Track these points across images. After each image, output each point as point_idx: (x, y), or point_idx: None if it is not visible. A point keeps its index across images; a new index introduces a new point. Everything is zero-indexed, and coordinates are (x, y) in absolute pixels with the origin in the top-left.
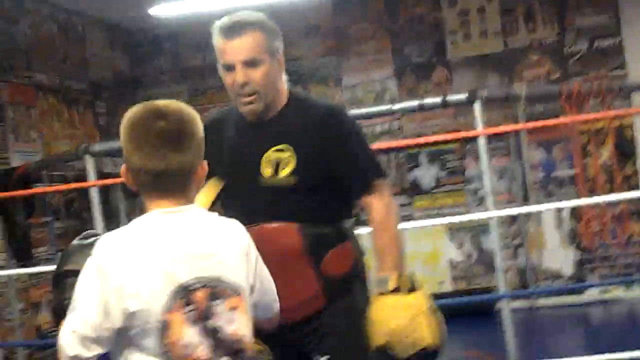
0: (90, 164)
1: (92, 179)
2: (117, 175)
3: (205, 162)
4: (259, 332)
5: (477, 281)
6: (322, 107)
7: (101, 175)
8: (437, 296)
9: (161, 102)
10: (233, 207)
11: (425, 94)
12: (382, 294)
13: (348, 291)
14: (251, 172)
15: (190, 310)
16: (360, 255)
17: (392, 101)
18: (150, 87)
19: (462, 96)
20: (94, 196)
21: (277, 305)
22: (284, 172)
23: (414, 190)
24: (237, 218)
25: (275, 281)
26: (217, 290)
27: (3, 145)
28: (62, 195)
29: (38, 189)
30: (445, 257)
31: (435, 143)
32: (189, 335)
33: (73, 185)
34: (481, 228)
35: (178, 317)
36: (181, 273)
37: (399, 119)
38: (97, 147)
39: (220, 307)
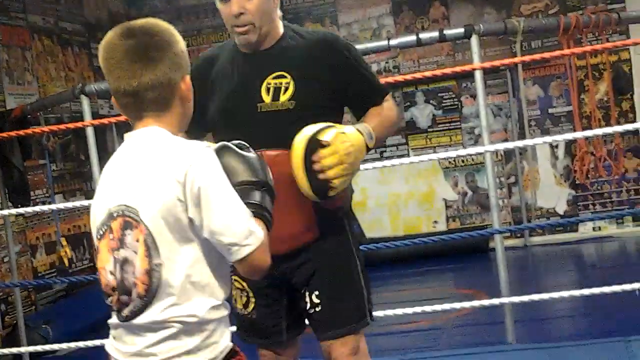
0: (85, 105)
1: (87, 120)
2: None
3: (188, 77)
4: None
5: (471, 220)
6: (317, 34)
7: (97, 117)
8: (431, 234)
9: (133, 22)
10: (232, 134)
11: (423, 31)
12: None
13: (339, 227)
14: (251, 99)
15: (111, 239)
16: (351, 192)
17: (389, 38)
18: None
19: (460, 30)
20: (90, 136)
21: (245, 249)
22: (284, 97)
23: (410, 129)
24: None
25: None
26: (128, 219)
27: None
28: (58, 138)
29: (34, 129)
30: (440, 196)
31: (432, 81)
32: (110, 263)
33: (69, 125)
34: (476, 167)
35: (104, 244)
36: (111, 199)
37: (395, 57)
38: (93, 87)
39: (129, 238)
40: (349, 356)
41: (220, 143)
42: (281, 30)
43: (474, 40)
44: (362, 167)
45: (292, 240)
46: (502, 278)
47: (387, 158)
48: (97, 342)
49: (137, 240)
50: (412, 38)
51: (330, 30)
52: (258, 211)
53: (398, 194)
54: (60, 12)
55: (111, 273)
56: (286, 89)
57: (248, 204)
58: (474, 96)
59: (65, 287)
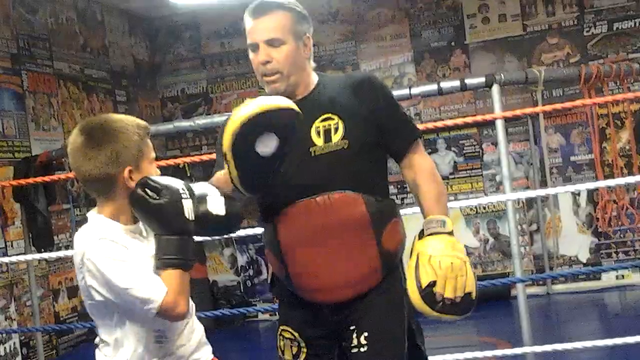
0: None
1: None
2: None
3: (131, 168)
4: (297, 315)
5: (493, 267)
6: (355, 75)
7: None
8: None
9: (91, 118)
10: (288, 182)
11: (444, 78)
12: (436, 233)
13: (395, 272)
14: (302, 145)
15: None
16: (404, 233)
17: (411, 85)
18: (169, 75)
19: (481, 79)
20: None
21: (150, 312)
22: (336, 137)
23: None
24: (292, 193)
25: (338, 252)
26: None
27: (24, 134)
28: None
29: (58, 176)
30: (462, 243)
31: (453, 129)
32: None
33: None
34: (498, 214)
35: None
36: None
37: (417, 104)
38: None
39: None
40: None
41: (133, 194)
42: (315, 79)
43: (495, 89)
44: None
45: (359, 283)
46: (524, 327)
47: (408, 205)
48: None
49: None
50: (434, 87)
51: None
52: (170, 263)
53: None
54: (86, 59)
55: None
56: (336, 129)
57: (160, 258)
58: (495, 144)
59: (86, 332)
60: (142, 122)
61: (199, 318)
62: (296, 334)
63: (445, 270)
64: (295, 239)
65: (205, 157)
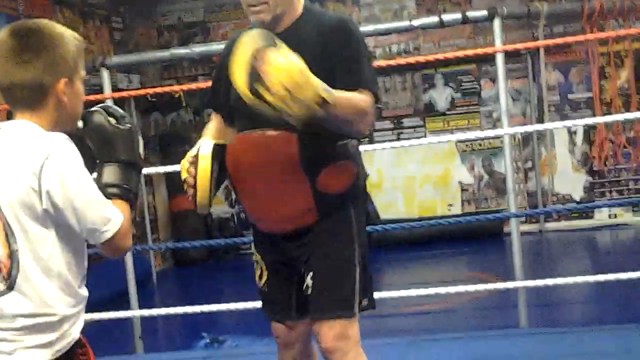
0: (105, 77)
1: (107, 92)
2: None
3: (66, 80)
4: (259, 241)
5: (486, 204)
6: (332, 18)
7: (116, 90)
8: (446, 217)
9: (24, 21)
10: (242, 115)
11: (444, 12)
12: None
13: (341, 212)
14: None
15: None
16: (360, 177)
17: (411, 19)
18: (166, 2)
19: (483, 12)
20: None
21: (104, 234)
22: None
23: (428, 111)
24: (245, 127)
25: (269, 188)
26: None
27: None
28: None
29: None
30: (456, 179)
31: (452, 64)
32: None
33: (88, 97)
34: (493, 151)
35: None
36: None
37: (416, 38)
38: (113, 60)
39: None
40: (333, 340)
41: (91, 111)
42: (300, 11)
43: (497, 22)
44: (378, 147)
45: (292, 220)
46: (517, 262)
47: (404, 140)
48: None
49: None
50: (435, 19)
51: (351, 11)
52: (120, 193)
53: (414, 177)
54: None
55: None
56: None
57: (111, 185)
58: (493, 80)
59: None
60: (78, 36)
61: (194, 247)
62: (259, 257)
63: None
64: (236, 170)
65: (201, 85)
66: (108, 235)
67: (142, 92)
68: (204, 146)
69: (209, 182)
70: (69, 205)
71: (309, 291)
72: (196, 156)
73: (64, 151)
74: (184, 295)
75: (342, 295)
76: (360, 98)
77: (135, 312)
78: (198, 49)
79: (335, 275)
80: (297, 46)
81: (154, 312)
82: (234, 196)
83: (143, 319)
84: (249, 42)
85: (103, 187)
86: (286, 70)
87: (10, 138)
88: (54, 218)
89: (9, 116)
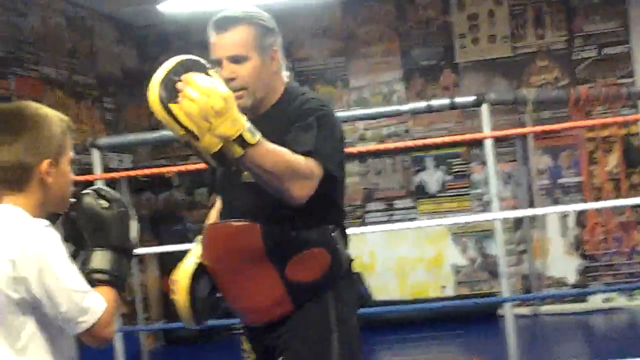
0: (96, 157)
1: (98, 172)
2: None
3: (51, 161)
4: (245, 329)
5: (480, 287)
6: (302, 100)
7: (107, 170)
8: (440, 300)
9: (8, 103)
10: (223, 203)
11: (433, 98)
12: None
13: (318, 302)
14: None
15: None
16: (338, 263)
17: (400, 103)
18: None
19: (470, 98)
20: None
21: (81, 325)
22: None
23: (420, 193)
24: (225, 215)
25: (237, 281)
26: None
27: None
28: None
29: None
30: (449, 261)
31: (442, 147)
32: None
33: (79, 178)
34: (485, 233)
35: None
36: None
37: (406, 122)
38: (104, 140)
39: None
40: None
41: (82, 193)
42: (280, 92)
43: (485, 108)
44: (371, 229)
45: (265, 312)
46: (511, 346)
47: (397, 222)
48: None
49: None
50: (423, 104)
51: (341, 94)
52: (108, 279)
53: (406, 258)
54: (73, 65)
55: None
56: None
57: (99, 272)
58: (483, 163)
59: None
60: (65, 117)
61: (185, 328)
62: (247, 346)
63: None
64: (208, 260)
65: (190, 167)
66: (85, 325)
67: (132, 173)
68: (184, 265)
69: (188, 303)
70: (44, 294)
71: None
72: (177, 275)
73: (43, 239)
74: None
75: None
76: (296, 157)
77: None
78: None
79: None
80: (272, 129)
81: None
82: None
83: None
84: (175, 60)
85: (90, 273)
86: (209, 94)
87: None
88: (30, 307)
89: None
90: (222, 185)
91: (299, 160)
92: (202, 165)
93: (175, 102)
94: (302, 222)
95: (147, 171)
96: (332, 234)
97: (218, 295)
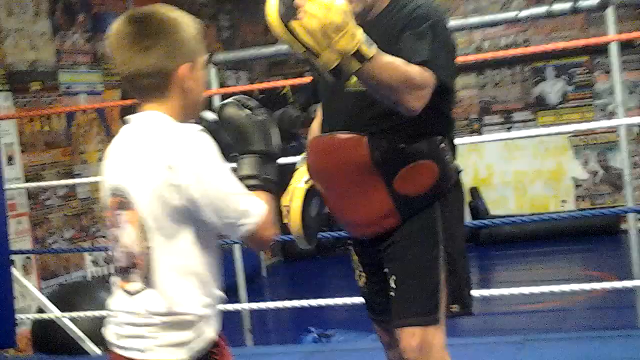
0: (213, 74)
1: (214, 88)
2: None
3: (189, 65)
4: (353, 242)
5: (602, 200)
6: (414, 5)
7: (223, 87)
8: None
9: (140, 7)
10: (325, 114)
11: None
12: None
13: (425, 214)
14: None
15: (112, 215)
16: (446, 175)
17: (520, 9)
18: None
19: (594, 1)
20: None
21: (243, 228)
22: None
23: (539, 105)
24: (328, 126)
25: (347, 193)
26: (122, 200)
27: None
28: None
29: None
30: (569, 175)
31: (563, 55)
32: (109, 236)
33: None
34: (608, 145)
35: (108, 216)
36: (111, 177)
37: (525, 30)
38: (220, 57)
39: (121, 218)
40: (414, 350)
41: (224, 103)
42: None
43: (610, 12)
44: (488, 138)
45: (372, 225)
46: (635, 260)
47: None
48: None
49: (129, 222)
50: (543, 9)
51: (457, 4)
52: (261, 184)
53: (525, 172)
54: None
55: (120, 247)
56: None
57: (250, 177)
58: (607, 72)
59: None
60: (197, 19)
61: None
62: (355, 258)
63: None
64: (314, 174)
65: (307, 80)
66: (247, 228)
67: (248, 87)
68: (293, 189)
69: (300, 226)
70: (206, 199)
71: (392, 294)
72: (291, 192)
73: (201, 143)
74: (293, 289)
75: (423, 302)
76: (412, 68)
77: (245, 305)
78: None
79: (416, 281)
80: (382, 36)
81: (263, 305)
82: None
83: (252, 312)
84: None
85: (242, 179)
86: (328, 8)
87: (143, 130)
88: (190, 214)
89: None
90: (325, 95)
91: (415, 70)
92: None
93: (294, 19)
94: (410, 133)
95: (262, 85)
96: (441, 145)
97: (328, 211)
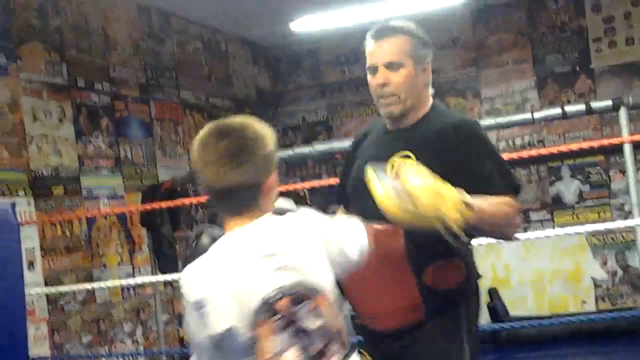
0: None
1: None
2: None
3: (275, 172)
4: (368, 341)
5: (622, 301)
6: (453, 119)
7: None
8: (579, 315)
9: (227, 120)
10: (357, 204)
11: (568, 104)
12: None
13: (451, 312)
14: None
15: (277, 320)
16: (472, 275)
17: (533, 110)
18: (290, 103)
19: (607, 103)
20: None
21: (364, 244)
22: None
23: (556, 205)
24: (361, 217)
25: (375, 283)
26: (298, 295)
27: (152, 161)
28: (205, 210)
29: (182, 201)
30: (588, 274)
31: (578, 155)
32: (278, 343)
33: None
34: (627, 244)
35: (265, 329)
36: (261, 288)
37: (540, 131)
38: None
39: (304, 310)
40: None
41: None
42: (427, 108)
43: (623, 112)
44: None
45: (396, 316)
46: None
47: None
48: None
49: (321, 305)
50: (558, 111)
51: (473, 105)
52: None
53: (543, 272)
54: (210, 88)
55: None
56: None
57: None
58: (623, 171)
59: None
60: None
61: None
62: (368, 357)
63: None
64: None
65: (324, 183)
66: (366, 242)
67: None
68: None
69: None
70: (340, 243)
71: None
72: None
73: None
74: None
75: None
76: (502, 203)
77: None
78: (320, 146)
79: None
80: (420, 145)
81: None
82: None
83: None
84: (376, 172)
85: None
86: (433, 194)
87: (271, 229)
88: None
89: None
90: (356, 195)
91: (504, 204)
92: (334, 182)
93: (407, 205)
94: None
95: (281, 188)
96: (469, 246)
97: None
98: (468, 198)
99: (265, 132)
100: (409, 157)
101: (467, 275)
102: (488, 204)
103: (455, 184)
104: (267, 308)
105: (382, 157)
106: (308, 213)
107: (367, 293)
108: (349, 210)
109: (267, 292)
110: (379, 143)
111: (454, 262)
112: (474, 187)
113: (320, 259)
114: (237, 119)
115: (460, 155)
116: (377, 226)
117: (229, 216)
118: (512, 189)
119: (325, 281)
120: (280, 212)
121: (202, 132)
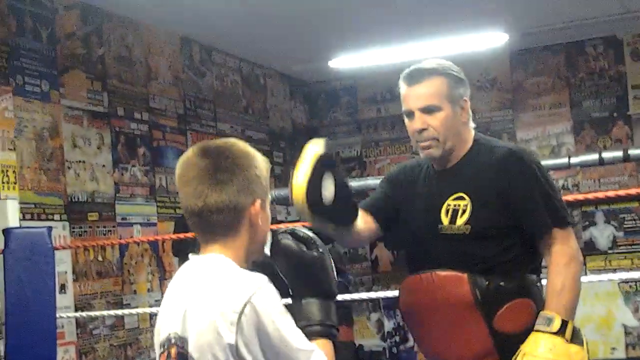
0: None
1: None
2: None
3: (260, 201)
4: None
5: None
6: (501, 149)
7: (274, 222)
8: None
9: (212, 141)
10: (416, 255)
11: (604, 150)
12: (541, 331)
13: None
14: (432, 220)
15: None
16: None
17: (569, 156)
18: (325, 138)
19: None
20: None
21: None
22: (460, 221)
23: (589, 250)
24: (419, 266)
25: (443, 331)
26: (182, 351)
27: None
28: None
29: None
30: (619, 321)
31: (613, 201)
32: None
33: None
34: None
35: None
36: (167, 325)
37: (575, 175)
38: (273, 193)
39: None
40: None
41: (278, 236)
42: (470, 143)
43: None
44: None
45: None
46: None
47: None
48: None
49: None
50: (595, 157)
51: None
52: (322, 331)
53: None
54: (247, 121)
55: None
56: (464, 211)
57: (312, 325)
58: None
59: None
60: (265, 157)
61: None
62: None
63: None
64: (409, 312)
65: None
66: None
67: (298, 224)
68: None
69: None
70: (269, 356)
71: None
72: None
73: (266, 296)
74: None
75: None
76: (567, 271)
77: None
78: (354, 183)
79: None
80: (471, 180)
81: None
82: (386, 329)
83: None
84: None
85: (302, 327)
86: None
87: (206, 276)
88: None
89: None
90: (415, 237)
91: (571, 270)
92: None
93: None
94: (506, 271)
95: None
96: (537, 285)
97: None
98: (550, 316)
99: (252, 153)
100: (462, 198)
101: (536, 313)
102: (559, 292)
103: (511, 212)
104: (166, 347)
105: (434, 199)
106: (267, 293)
107: (436, 340)
108: (410, 256)
109: (168, 331)
110: (429, 184)
111: (522, 302)
112: (527, 216)
113: (225, 332)
114: (223, 139)
115: (514, 184)
116: (442, 273)
117: (203, 242)
118: (566, 222)
119: (215, 353)
120: (262, 264)
121: (187, 152)
